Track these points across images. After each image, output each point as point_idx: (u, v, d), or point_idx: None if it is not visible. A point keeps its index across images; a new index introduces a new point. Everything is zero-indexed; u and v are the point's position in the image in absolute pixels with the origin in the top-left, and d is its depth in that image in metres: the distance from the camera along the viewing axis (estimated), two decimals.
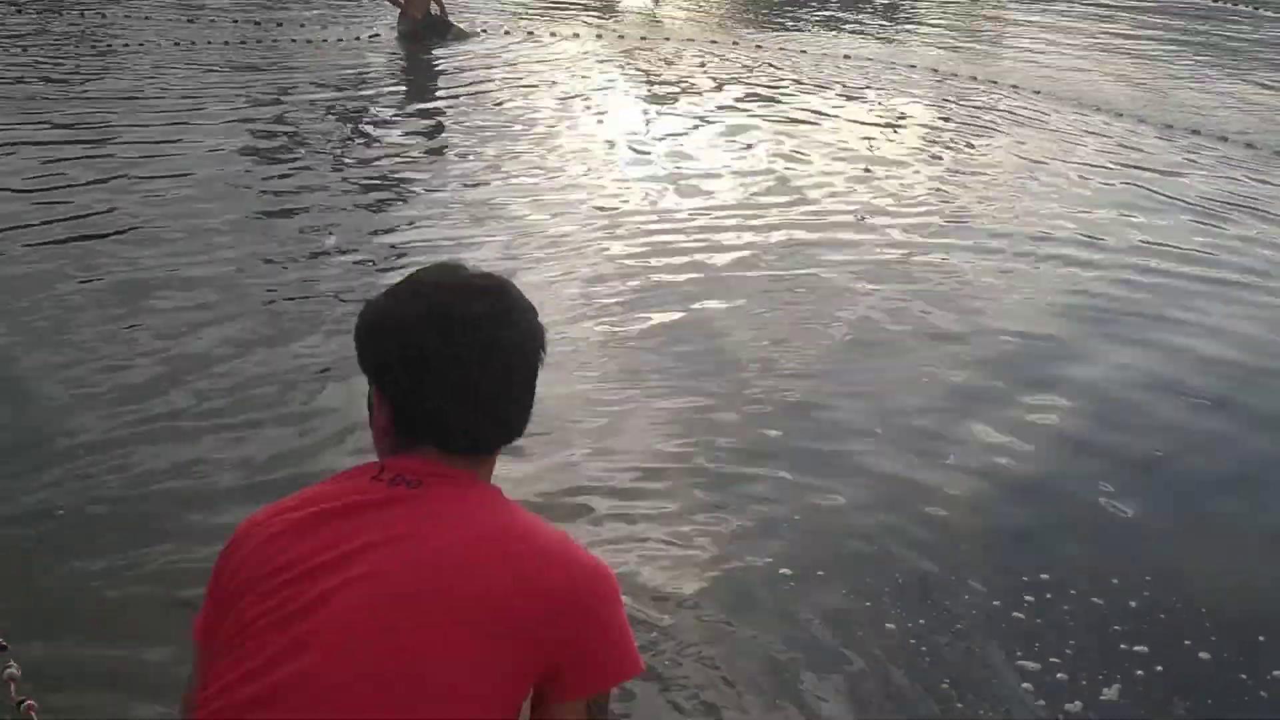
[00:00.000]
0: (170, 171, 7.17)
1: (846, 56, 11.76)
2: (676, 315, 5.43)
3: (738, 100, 9.81)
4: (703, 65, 11.28)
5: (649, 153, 8.23)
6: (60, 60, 10.35)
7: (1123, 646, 3.27)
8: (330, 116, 8.90)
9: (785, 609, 3.39)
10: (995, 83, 10.67)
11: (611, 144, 8.52)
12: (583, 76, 10.66)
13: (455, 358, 1.41)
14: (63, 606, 3.27)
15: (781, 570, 3.56)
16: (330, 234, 6.33)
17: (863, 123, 9.28)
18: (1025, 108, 9.82)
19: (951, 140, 8.83)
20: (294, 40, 11.59)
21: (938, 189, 7.58)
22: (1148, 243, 6.61)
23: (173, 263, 5.75)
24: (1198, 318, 5.59)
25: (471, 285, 1.46)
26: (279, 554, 1.41)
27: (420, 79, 10.74)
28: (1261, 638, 3.33)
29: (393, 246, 6.23)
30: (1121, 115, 9.61)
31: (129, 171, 7.09)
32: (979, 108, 9.79)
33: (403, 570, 1.37)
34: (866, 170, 7.94)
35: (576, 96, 9.88)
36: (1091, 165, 8.19)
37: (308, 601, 1.35)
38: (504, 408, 1.48)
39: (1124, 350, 5.21)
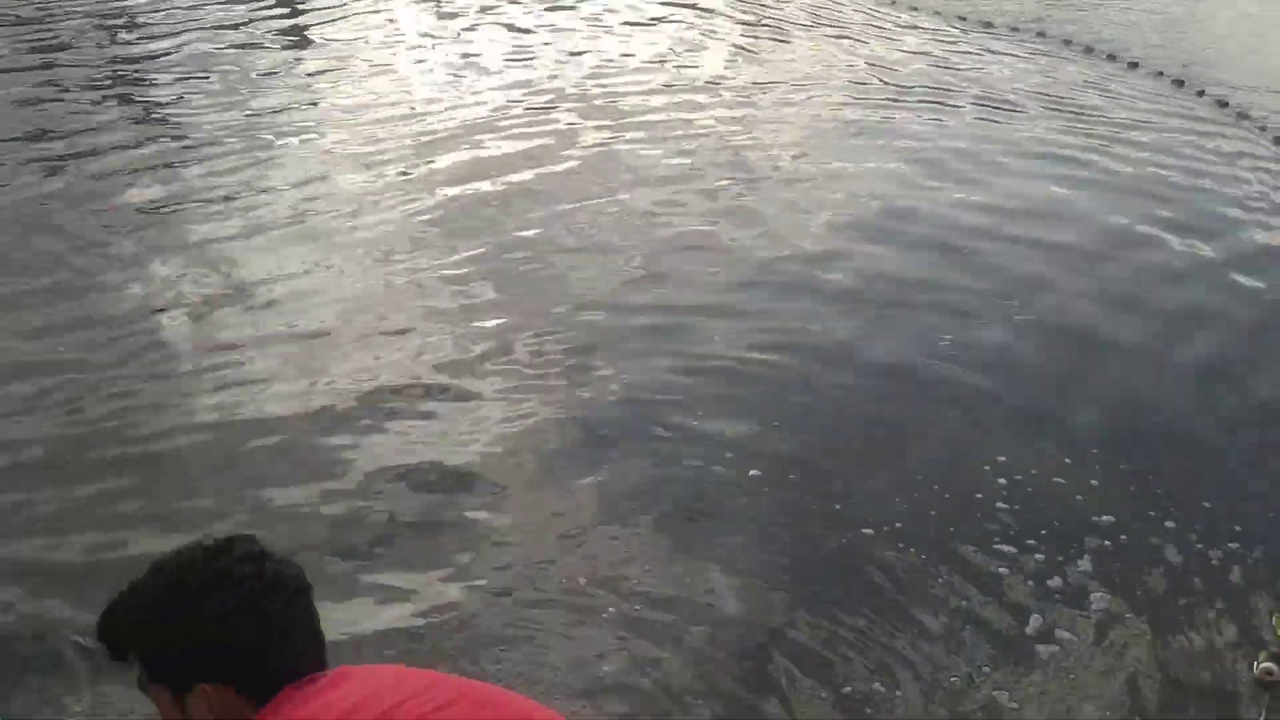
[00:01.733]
0: None
1: None
2: (489, 228, 5.46)
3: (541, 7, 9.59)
4: None
5: (458, 65, 8.04)
6: None
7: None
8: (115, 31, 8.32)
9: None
10: None
11: (419, 55, 8.33)
12: None
13: (301, 608, 1.55)
14: None
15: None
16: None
17: (661, 18, 9.26)
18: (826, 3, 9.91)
19: (758, 35, 8.84)
20: None
21: (746, 82, 7.61)
22: (956, 130, 6.86)
23: None
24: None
25: (241, 551, 1.54)
26: None
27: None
28: None
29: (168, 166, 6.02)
30: (918, 9, 9.78)
31: None
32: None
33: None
34: (674, 68, 7.91)
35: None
36: (887, 59, 8.34)
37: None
38: None
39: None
